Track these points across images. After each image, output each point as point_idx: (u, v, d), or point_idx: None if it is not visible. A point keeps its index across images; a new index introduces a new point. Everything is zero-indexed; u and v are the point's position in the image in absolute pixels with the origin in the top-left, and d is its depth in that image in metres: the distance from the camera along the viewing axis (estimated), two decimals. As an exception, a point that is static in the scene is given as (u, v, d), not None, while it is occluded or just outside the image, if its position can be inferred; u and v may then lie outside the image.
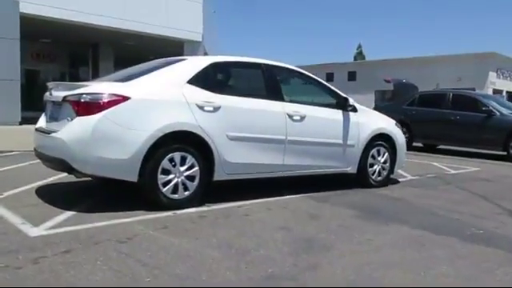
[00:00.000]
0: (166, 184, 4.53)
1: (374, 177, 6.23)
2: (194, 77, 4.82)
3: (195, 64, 4.95)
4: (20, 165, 7.30)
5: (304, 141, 5.46)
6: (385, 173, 6.34)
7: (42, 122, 5.14)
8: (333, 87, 6.02)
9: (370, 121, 6.16)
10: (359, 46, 59.59)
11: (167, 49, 22.38)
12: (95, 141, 4.23)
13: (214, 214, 4.53)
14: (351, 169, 6.00)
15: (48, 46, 20.93)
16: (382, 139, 6.25)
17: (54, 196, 5.09)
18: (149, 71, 4.78)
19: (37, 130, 5.00)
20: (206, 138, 4.69)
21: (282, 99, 5.39)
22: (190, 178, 4.67)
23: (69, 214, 4.31)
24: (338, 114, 5.87)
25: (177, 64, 4.91)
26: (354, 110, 5.99)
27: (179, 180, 4.60)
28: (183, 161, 4.62)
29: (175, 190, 4.59)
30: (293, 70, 5.74)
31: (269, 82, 5.38)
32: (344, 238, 3.90)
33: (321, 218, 4.55)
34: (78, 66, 23.37)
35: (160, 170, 4.48)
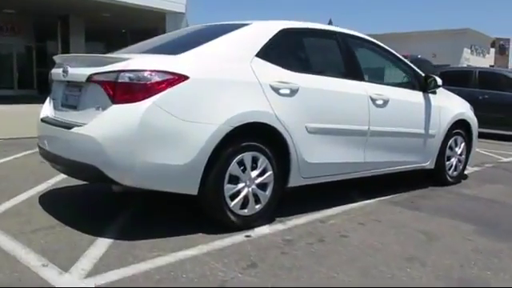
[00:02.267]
0: (234, 196, 3.30)
1: (450, 172, 5.17)
2: (263, 48, 3.54)
3: (263, 30, 3.67)
4: (5, 159, 5.84)
5: (386, 131, 4.31)
6: (460, 166, 5.30)
7: (48, 109, 3.77)
8: (410, 63, 4.86)
9: (450, 105, 5.06)
10: (330, 22, 58.47)
11: (145, 21, 20.69)
12: (142, 140, 2.94)
13: (299, 234, 3.35)
14: (429, 164, 4.91)
15: (12, 17, 18.84)
16: (459, 127, 5.17)
17: (69, 210, 3.77)
18: (202, 40, 3.46)
19: (44, 120, 3.63)
20: (283, 132, 3.46)
21: (362, 78, 4.20)
22: (262, 186, 3.45)
23: (103, 242, 3.03)
24: (419, 97, 4.73)
25: (239, 31, 3.60)
26: (434, 91, 4.86)
27: (250, 190, 3.38)
28: (254, 164, 3.39)
29: (245, 203, 3.37)
30: (368, 40, 4.53)
31: (346, 56, 4.17)
32: (506, 275, 2.81)
33: (440, 238, 3.43)
34: (45, 40, 21.32)
35: (227, 177, 3.24)
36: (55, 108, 3.65)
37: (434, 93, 4.87)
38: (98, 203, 4.02)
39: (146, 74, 2.98)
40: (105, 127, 2.97)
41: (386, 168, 4.47)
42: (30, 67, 21.07)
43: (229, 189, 3.26)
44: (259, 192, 3.43)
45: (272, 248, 3.07)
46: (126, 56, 3.10)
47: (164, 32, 18.15)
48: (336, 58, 4.12)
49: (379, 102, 4.20)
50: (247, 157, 3.32)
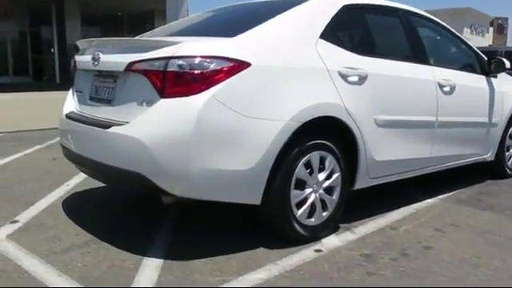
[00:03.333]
0: (300, 204, 2.80)
1: (509, 163, 4.69)
2: (327, 28, 3.00)
3: (325, 7, 3.11)
4: (15, 156, 5.30)
5: (453, 122, 3.82)
6: (518, 157, 4.82)
7: (72, 103, 3.22)
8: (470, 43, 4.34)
9: (512, 89, 4.56)
10: None
11: (141, 4, 19.94)
12: (198, 142, 2.41)
13: (376, 246, 2.86)
14: (490, 155, 4.42)
15: (5, 1, 18.02)
16: (519, 113, 4.68)
17: (99, 220, 3.25)
18: (255, 20, 2.90)
19: (69, 117, 3.08)
20: (353, 127, 2.95)
21: (428, 62, 3.69)
22: (329, 190, 2.95)
23: (152, 264, 2.53)
24: (482, 82, 4.22)
25: (298, 7, 3.03)
26: (496, 75, 4.35)
27: (317, 195, 2.87)
28: (322, 164, 2.88)
29: (312, 211, 2.87)
30: (428, 17, 3.97)
31: (411, 36, 3.64)
32: None
33: (538, 246, 2.96)
34: (39, 25, 20.54)
35: (293, 182, 2.74)
36: (81, 102, 3.11)
37: (495, 77, 4.36)
38: (130, 210, 3.50)
39: (201, 60, 2.44)
40: (152, 127, 2.44)
41: (451, 162, 3.97)
42: (25, 53, 20.33)
43: (295, 195, 2.76)
44: (326, 197, 2.93)
45: (353, 267, 2.58)
46: (174, 39, 2.55)
47: (163, 15, 17.47)
48: (401, 38, 3.58)
49: (446, 89, 3.69)
50: (315, 157, 2.82)
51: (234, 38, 2.66)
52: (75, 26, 20.26)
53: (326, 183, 2.91)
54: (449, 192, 4.10)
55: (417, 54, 3.60)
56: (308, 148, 2.77)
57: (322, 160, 2.87)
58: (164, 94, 2.44)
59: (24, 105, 10.40)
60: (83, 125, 2.86)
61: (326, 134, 2.87)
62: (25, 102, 11.06)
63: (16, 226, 3.09)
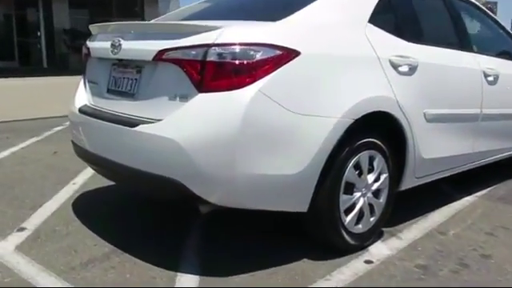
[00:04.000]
0: (348, 210, 2.51)
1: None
2: (375, 10, 2.68)
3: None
4: (12, 150, 4.90)
5: (496, 114, 3.54)
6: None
7: (85, 95, 2.86)
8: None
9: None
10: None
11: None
12: (244, 143, 2.08)
13: (430, 256, 2.58)
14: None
15: (-12, -18, 17.31)
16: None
17: (117, 225, 2.91)
18: (296, 2, 2.56)
19: (83, 111, 2.73)
20: (403, 122, 2.65)
21: (472, 49, 3.38)
22: (376, 192, 2.66)
23: (188, 281, 2.22)
24: (522, 70, 3.93)
25: (343, -12, 2.70)
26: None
27: (365, 199, 2.58)
28: (370, 165, 2.58)
29: (360, 217, 2.57)
30: (470, 1, 3.66)
31: (455, 21, 3.33)
32: None
33: None
34: (25, 7, 19.78)
35: (343, 186, 2.43)
36: (96, 94, 2.75)
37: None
38: (149, 213, 3.17)
39: (246, 49, 2.10)
40: (189, 126, 2.11)
41: (492, 157, 3.70)
42: (10, 37, 19.60)
43: (344, 201, 2.46)
44: (374, 201, 2.64)
45: (413, 281, 2.30)
46: (212, 24, 2.20)
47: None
48: (445, 23, 3.27)
49: (491, 79, 3.40)
50: (364, 157, 2.51)
51: (278, 22, 2.31)
52: (63, 9, 19.57)
53: (375, 186, 2.62)
54: (484, 188, 3.84)
55: (461, 40, 3.30)
56: (358, 147, 2.46)
57: (371, 160, 2.57)
58: (202, 87, 2.10)
59: (12, 92, 9.91)
60: (101, 121, 2.50)
61: (376, 131, 2.56)
62: (13, 88, 10.57)
63: (24, 234, 2.75)
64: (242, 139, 2.06)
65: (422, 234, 2.89)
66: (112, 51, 2.49)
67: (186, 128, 2.11)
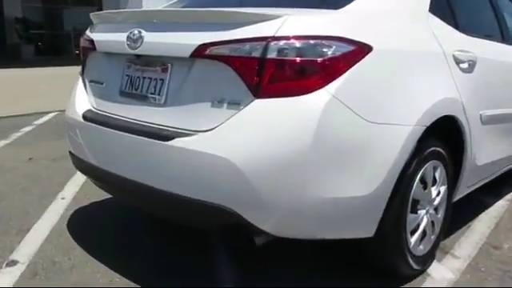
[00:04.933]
0: (413, 231, 2.16)
1: None
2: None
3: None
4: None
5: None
6: None
7: (86, 98, 2.38)
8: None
9: None
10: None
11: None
12: (316, 161, 1.68)
13: (499, 278, 2.28)
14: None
15: None
16: None
17: (128, 255, 2.44)
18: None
19: (88, 118, 2.23)
20: (465, 126, 2.32)
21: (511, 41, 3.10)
22: (436, 207, 2.32)
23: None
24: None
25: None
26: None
27: (428, 217, 2.24)
28: (433, 177, 2.24)
29: (422, 237, 2.24)
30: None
31: (499, 12, 3.03)
32: None
33: None
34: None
35: (410, 204, 2.07)
36: (103, 97, 2.27)
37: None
38: (161, 232, 2.71)
39: (316, 43, 1.69)
40: (246, 141, 1.68)
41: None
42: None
43: (411, 221, 2.11)
44: (435, 217, 2.31)
45: (499, 314, 1.98)
46: (268, 12, 1.76)
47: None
48: (491, 14, 2.96)
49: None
50: (429, 169, 2.17)
51: (340, 10, 1.91)
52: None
53: (437, 200, 2.29)
54: (508, 192, 3.60)
55: (506, 32, 3.00)
56: (425, 158, 2.11)
57: (434, 171, 2.23)
58: (260, 91, 1.68)
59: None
60: (117, 132, 2.03)
61: (440, 138, 2.22)
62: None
63: (17, 269, 2.24)
64: (313, 156, 1.66)
65: (475, 249, 2.59)
66: (129, 45, 2.02)
67: (241, 143, 1.68)
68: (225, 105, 1.75)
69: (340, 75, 1.70)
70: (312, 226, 1.78)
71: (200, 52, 1.78)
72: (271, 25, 1.69)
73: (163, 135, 1.84)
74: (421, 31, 2.15)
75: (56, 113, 6.51)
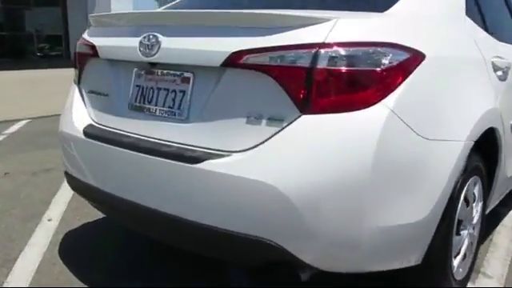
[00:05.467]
0: (456, 254, 1.98)
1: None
2: (467, 1, 2.16)
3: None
4: None
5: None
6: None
7: (84, 111, 2.09)
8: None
9: None
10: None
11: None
12: (374, 186, 1.46)
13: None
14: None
15: None
16: None
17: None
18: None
19: (90, 135, 1.94)
20: (501, 137, 2.17)
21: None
22: (474, 225, 2.16)
23: None
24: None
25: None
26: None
27: (468, 237, 2.08)
28: (473, 193, 2.07)
29: (462, 259, 2.06)
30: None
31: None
32: None
33: None
34: None
35: (455, 225, 1.90)
36: (107, 111, 1.99)
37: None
38: (170, 259, 2.44)
39: (373, 50, 1.48)
40: (293, 164, 1.45)
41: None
42: None
43: (456, 243, 1.94)
44: (472, 235, 2.14)
45: None
46: (314, 14, 1.54)
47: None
48: (508, 16, 2.83)
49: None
50: (471, 186, 2.00)
51: (386, 13, 1.71)
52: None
53: (475, 217, 2.12)
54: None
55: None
56: (469, 174, 1.93)
57: (473, 187, 2.06)
58: (308, 106, 1.46)
59: None
60: (128, 151, 1.76)
61: (479, 151, 2.05)
62: None
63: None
64: (372, 181, 1.45)
65: (505, 266, 2.44)
66: (143, 52, 1.76)
67: (286, 166, 1.45)
68: (264, 121, 1.51)
69: (397, 87, 1.50)
70: (363, 258, 1.57)
71: (234, 60, 1.54)
72: (320, 29, 1.47)
73: (189, 156, 1.59)
74: (463, 36, 1.99)
75: (27, 120, 6.09)
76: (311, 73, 1.45)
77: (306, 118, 1.46)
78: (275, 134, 1.48)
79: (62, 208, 3.05)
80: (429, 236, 1.72)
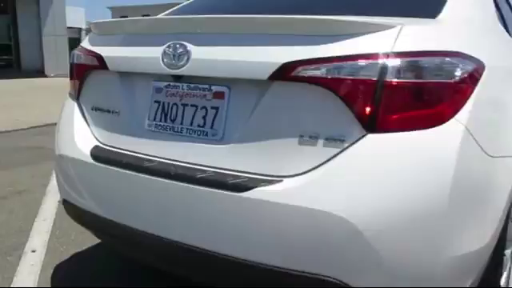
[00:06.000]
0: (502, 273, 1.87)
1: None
2: (495, 5, 2.07)
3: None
4: None
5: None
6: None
7: (87, 130, 1.83)
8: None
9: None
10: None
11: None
12: (452, 211, 1.29)
13: None
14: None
15: None
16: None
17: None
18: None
19: (98, 158, 1.69)
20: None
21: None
22: (510, 241, 2.06)
23: None
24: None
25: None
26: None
27: (510, 255, 1.96)
28: None
29: (507, 277, 1.95)
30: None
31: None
32: None
33: None
34: None
35: (505, 245, 1.78)
36: (120, 131, 1.74)
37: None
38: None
39: (444, 61, 1.32)
40: (361, 190, 1.27)
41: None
42: None
43: (505, 263, 1.81)
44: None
45: None
46: (379, 20, 1.36)
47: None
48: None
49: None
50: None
51: (439, 19, 1.57)
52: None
53: (513, 233, 2.01)
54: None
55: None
56: (513, 191, 1.81)
57: (511, 202, 1.95)
58: (375, 124, 1.28)
59: None
60: (151, 177, 1.53)
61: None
62: None
63: None
64: (452, 207, 1.29)
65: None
66: (168, 63, 1.53)
67: (353, 193, 1.27)
68: (320, 141, 1.33)
69: (467, 100, 1.35)
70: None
71: (285, 72, 1.34)
72: (385, 37, 1.30)
73: (233, 184, 1.37)
74: (504, 43, 1.88)
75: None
76: (379, 86, 1.27)
77: (373, 137, 1.28)
78: (335, 155, 1.30)
79: (44, 237, 2.74)
80: (486, 259, 1.58)
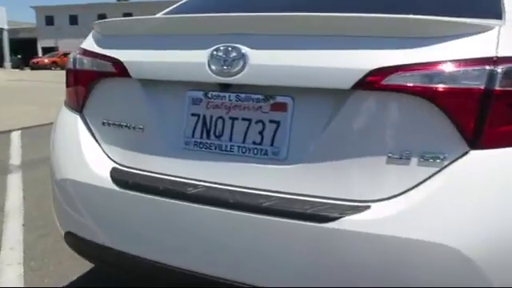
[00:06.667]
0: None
1: None
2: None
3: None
4: None
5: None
6: None
7: (98, 150, 1.53)
8: None
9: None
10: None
11: None
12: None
13: None
14: None
15: None
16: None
17: None
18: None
19: (125, 184, 1.40)
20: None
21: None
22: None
23: None
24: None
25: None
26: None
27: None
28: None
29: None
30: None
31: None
32: None
33: None
34: None
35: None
36: (146, 150, 1.46)
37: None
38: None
39: None
40: (470, 216, 1.10)
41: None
42: None
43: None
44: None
45: None
46: (475, 21, 1.19)
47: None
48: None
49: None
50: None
51: (510, 19, 1.43)
52: None
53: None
54: None
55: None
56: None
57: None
58: (480, 139, 1.12)
59: None
60: (202, 206, 1.28)
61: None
62: None
63: None
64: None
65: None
66: (218, 70, 1.29)
67: (464, 221, 1.10)
68: (414, 159, 1.15)
69: None
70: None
71: (373, 81, 1.15)
72: (485, 40, 1.15)
73: (311, 213, 1.16)
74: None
75: None
76: (486, 96, 1.11)
77: (479, 154, 1.12)
78: (433, 175, 1.13)
79: (18, 270, 2.35)
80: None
